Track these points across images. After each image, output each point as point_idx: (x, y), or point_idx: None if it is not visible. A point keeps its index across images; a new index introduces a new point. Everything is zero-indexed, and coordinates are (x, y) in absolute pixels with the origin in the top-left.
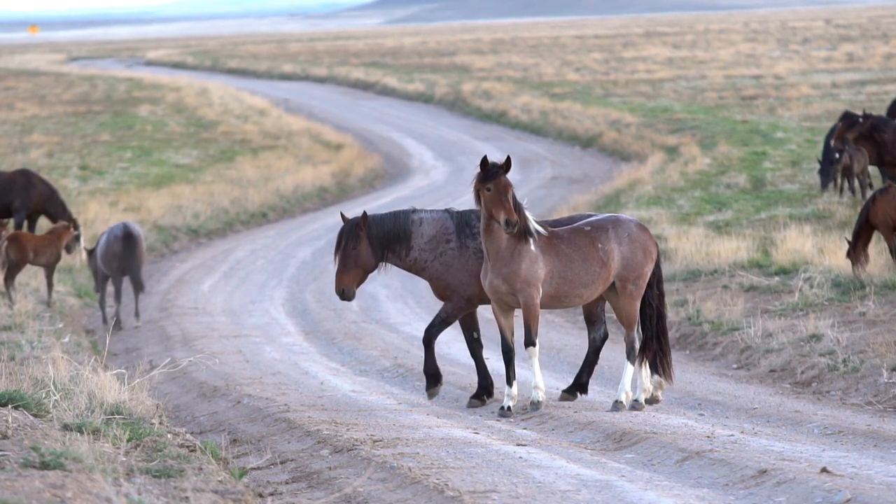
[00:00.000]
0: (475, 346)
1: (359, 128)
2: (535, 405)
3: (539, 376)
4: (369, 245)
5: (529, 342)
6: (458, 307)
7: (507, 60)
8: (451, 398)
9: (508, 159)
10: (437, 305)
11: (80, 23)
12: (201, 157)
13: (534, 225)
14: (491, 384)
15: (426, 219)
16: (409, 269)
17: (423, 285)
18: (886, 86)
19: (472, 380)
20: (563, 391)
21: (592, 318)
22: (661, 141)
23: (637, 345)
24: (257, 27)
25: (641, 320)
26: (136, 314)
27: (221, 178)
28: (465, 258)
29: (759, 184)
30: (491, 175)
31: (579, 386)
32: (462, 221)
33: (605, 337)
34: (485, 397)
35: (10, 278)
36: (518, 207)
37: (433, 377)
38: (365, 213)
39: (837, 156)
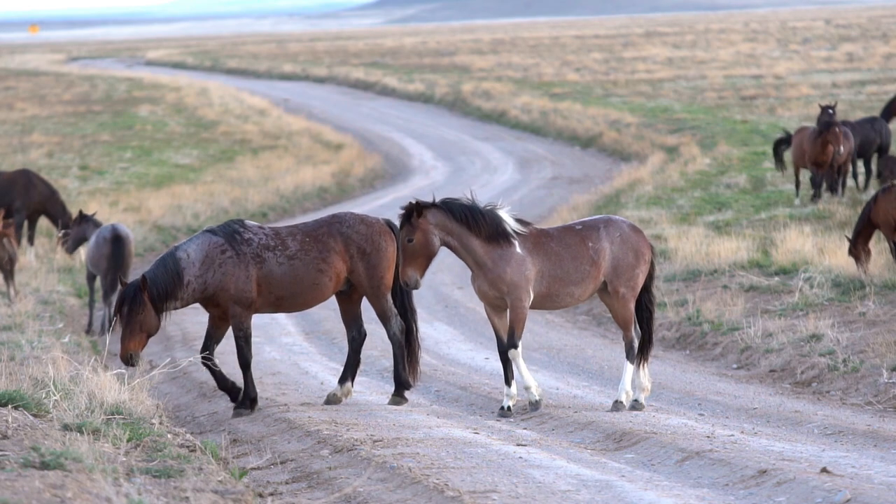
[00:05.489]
0: (210, 347)
1: (359, 128)
2: (535, 405)
3: (527, 375)
4: (153, 308)
5: (511, 345)
6: (243, 315)
7: (507, 60)
8: (451, 398)
9: (408, 205)
10: (438, 305)
11: (80, 23)
12: (201, 157)
13: (511, 226)
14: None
15: (191, 248)
16: (191, 303)
17: (423, 285)
18: (886, 86)
19: (472, 380)
20: (392, 396)
21: (351, 318)
22: (661, 141)
23: (636, 344)
24: (257, 27)
25: (639, 322)
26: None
27: (221, 178)
28: (244, 264)
29: (759, 184)
30: (400, 225)
31: (402, 385)
32: (229, 232)
33: (364, 337)
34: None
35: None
36: (489, 212)
37: (253, 401)
38: (144, 276)
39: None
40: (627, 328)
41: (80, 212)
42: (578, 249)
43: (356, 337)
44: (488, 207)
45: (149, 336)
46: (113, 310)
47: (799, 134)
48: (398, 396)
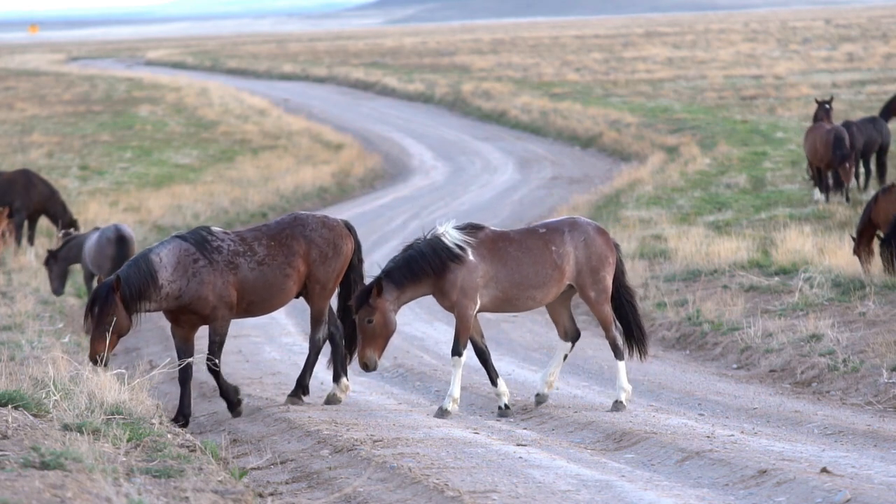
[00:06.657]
0: (185, 362)
1: (359, 128)
2: (442, 412)
3: (457, 388)
4: (125, 308)
5: (456, 352)
6: (224, 320)
7: (507, 60)
8: None
9: (365, 287)
10: (438, 305)
11: (80, 23)
12: (201, 157)
13: (457, 243)
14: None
15: (163, 252)
16: (165, 309)
17: None
18: (886, 86)
19: (472, 380)
20: (289, 395)
21: (317, 320)
22: (661, 141)
23: (620, 342)
24: (257, 27)
25: (623, 318)
26: None
27: (221, 178)
28: (217, 271)
29: (759, 184)
30: (357, 308)
31: (301, 388)
32: (198, 239)
33: (341, 330)
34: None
35: None
36: (432, 247)
37: (234, 403)
38: (118, 276)
39: None
40: (608, 328)
41: (49, 251)
42: (540, 253)
43: (334, 332)
44: (430, 236)
45: (119, 337)
46: (84, 310)
47: (812, 133)
48: (294, 397)
